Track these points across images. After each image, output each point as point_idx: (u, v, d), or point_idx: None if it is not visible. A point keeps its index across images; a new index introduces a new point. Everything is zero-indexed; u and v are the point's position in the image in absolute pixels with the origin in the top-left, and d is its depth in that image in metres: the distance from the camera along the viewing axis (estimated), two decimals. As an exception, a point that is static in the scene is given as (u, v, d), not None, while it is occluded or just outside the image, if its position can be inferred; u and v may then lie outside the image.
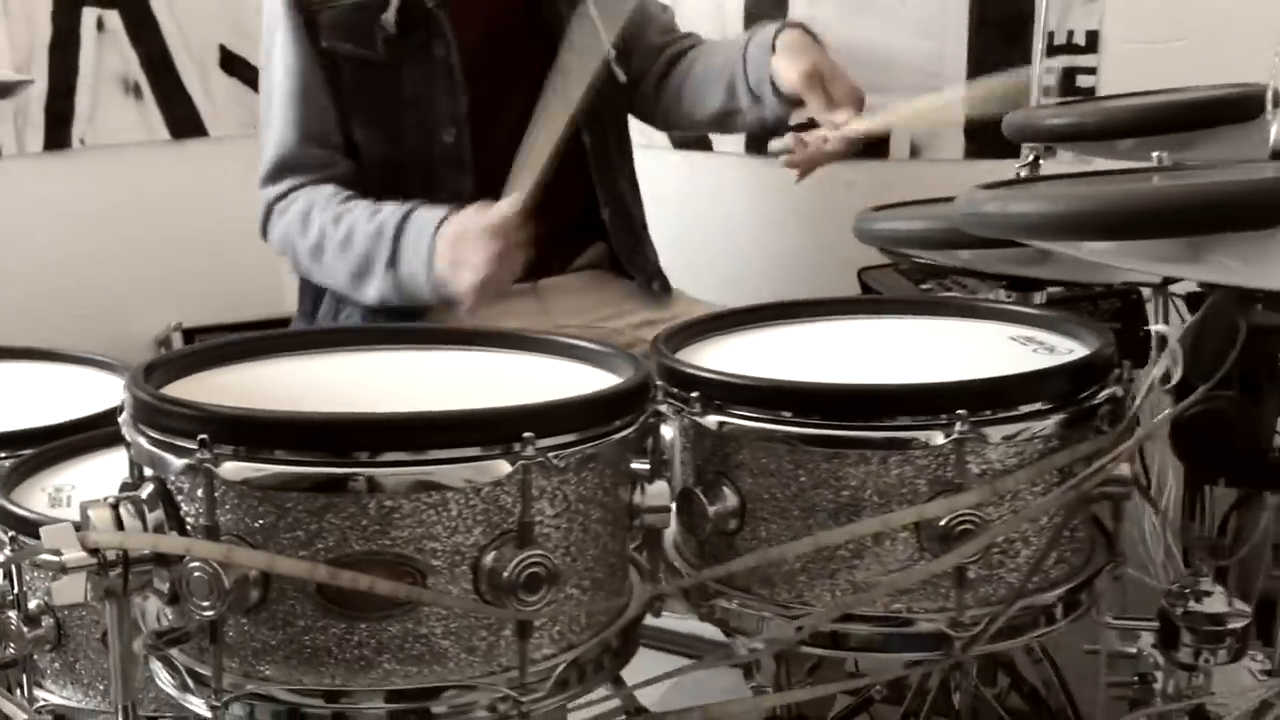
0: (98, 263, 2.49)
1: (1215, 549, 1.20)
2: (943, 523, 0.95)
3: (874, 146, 2.27)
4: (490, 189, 1.63)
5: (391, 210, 1.57)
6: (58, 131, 2.46)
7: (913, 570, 0.96)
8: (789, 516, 1.00)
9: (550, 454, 0.86)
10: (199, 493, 0.84)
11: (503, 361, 1.07)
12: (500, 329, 1.13)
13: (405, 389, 1.02)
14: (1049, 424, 0.99)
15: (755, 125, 1.78)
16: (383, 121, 1.66)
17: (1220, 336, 0.95)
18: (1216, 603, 1.19)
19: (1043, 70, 2.13)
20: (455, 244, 1.50)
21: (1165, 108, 1.45)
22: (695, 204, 2.36)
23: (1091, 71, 2.09)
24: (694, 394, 1.01)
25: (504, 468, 0.84)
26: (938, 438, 0.95)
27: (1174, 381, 0.97)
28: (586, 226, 1.83)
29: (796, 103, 1.65)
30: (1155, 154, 1.31)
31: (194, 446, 0.82)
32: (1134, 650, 1.29)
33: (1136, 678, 1.27)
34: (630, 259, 1.83)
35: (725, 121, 1.81)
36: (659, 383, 1.04)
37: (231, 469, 0.82)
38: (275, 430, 0.83)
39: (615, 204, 1.80)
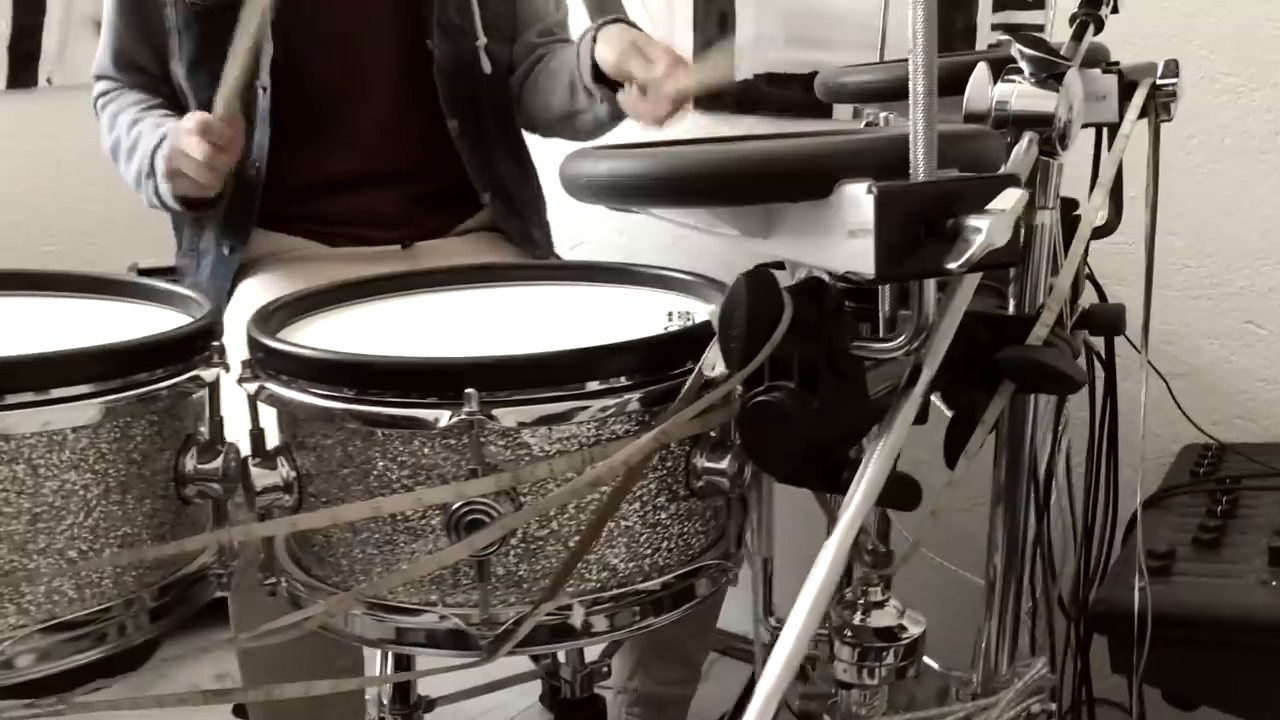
0: (63, 200, 2.54)
1: (877, 558, 1.07)
2: (453, 509, 0.86)
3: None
4: (293, 141, 1.62)
5: (169, 127, 1.58)
6: (24, 70, 2.51)
7: (419, 563, 0.88)
8: (330, 495, 0.93)
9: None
10: None
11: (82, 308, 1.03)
12: (77, 274, 1.09)
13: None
14: (591, 406, 0.89)
15: (593, 125, 1.70)
16: (206, 65, 1.65)
17: (747, 321, 0.83)
18: (886, 615, 1.07)
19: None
20: (172, 154, 1.50)
21: (946, 68, 1.31)
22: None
23: (1039, 29, 1.95)
24: (245, 360, 0.95)
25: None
26: (444, 418, 0.86)
27: (715, 371, 0.86)
28: (472, 196, 1.78)
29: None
30: (881, 116, 1.19)
31: None
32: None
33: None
34: (518, 238, 1.78)
35: (570, 123, 1.74)
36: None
37: None
38: None
39: (495, 187, 1.75)
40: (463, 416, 0.85)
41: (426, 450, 0.89)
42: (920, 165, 0.78)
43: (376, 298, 1.13)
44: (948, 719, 1.06)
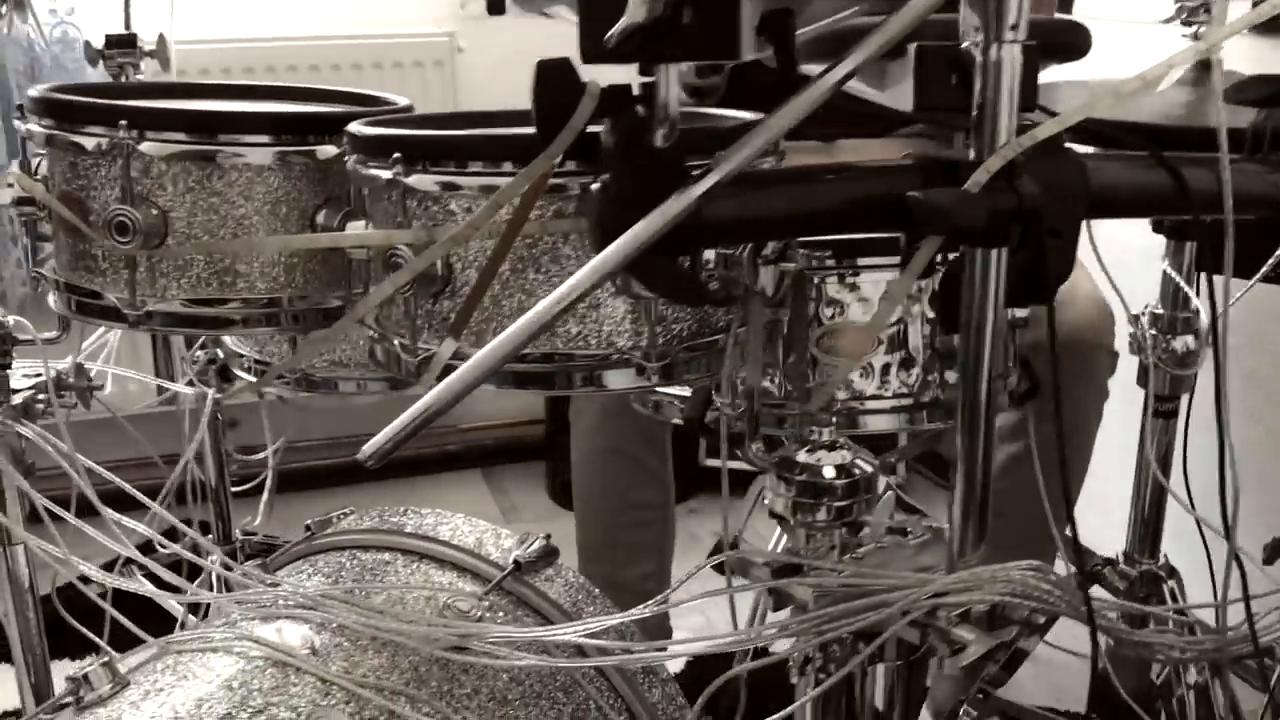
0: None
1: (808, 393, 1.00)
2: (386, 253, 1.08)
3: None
4: None
5: None
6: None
7: (368, 296, 1.11)
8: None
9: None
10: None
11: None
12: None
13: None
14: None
15: None
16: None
17: (533, 106, 0.89)
18: (831, 458, 1.04)
19: None
20: None
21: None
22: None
23: None
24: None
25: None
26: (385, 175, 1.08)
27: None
28: None
29: None
30: None
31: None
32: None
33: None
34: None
35: None
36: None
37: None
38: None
39: None
40: (390, 176, 1.06)
41: (384, 204, 1.11)
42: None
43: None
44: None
